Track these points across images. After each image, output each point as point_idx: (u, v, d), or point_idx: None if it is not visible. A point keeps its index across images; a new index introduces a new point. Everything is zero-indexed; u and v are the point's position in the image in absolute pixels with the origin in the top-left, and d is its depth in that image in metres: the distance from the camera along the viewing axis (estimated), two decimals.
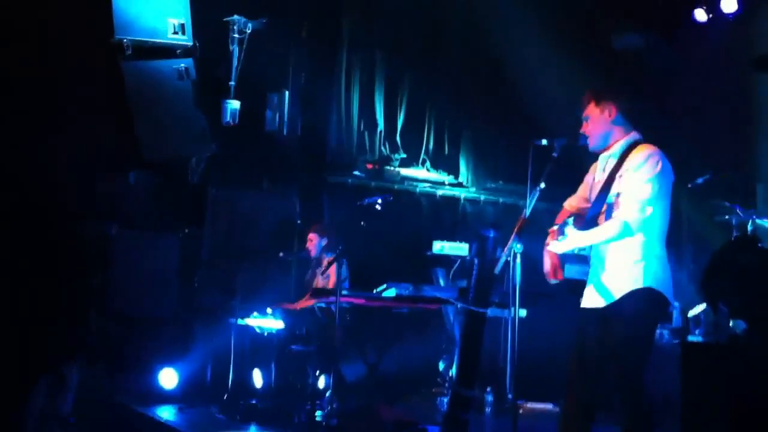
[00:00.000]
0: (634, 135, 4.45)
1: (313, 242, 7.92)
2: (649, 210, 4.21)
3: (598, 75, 9.47)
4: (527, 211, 4.41)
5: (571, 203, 4.71)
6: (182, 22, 7.23)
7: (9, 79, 6.38)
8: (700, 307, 6.78)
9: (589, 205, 4.56)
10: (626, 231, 4.22)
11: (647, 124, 4.61)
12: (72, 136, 7.11)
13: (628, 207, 4.22)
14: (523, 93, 9.74)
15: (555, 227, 4.30)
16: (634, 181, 4.24)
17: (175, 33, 7.22)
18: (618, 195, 4.28)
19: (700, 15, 8.83)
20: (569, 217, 4.44)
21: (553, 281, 4.51)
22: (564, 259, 4.43)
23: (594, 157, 4.67)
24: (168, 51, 7.29)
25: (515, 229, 4.35)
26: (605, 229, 4.26)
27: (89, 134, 7.44)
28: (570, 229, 4.20)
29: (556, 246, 4.31)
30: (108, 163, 7.65)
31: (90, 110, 7.28)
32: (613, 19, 9.73)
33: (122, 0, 7.03)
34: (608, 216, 4.31)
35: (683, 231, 8.93)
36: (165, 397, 7.36)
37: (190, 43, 7.31)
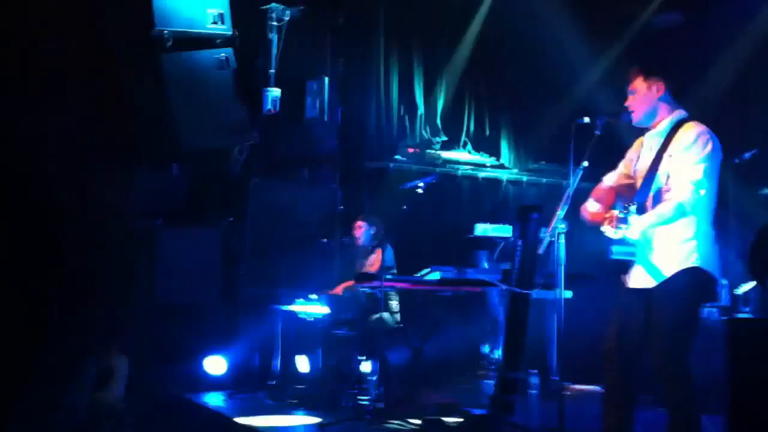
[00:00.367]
0: (680, 113, 4.41)
1: (362, 230, 7.90)
2: (703, 191, 4.19)
3: (637, 52, 9.37)
4: (570, 191, 4.38)
5: (612, 178, 4.66)
6: (221, 11, 7.28)
7: (56, 71, 6.46)
8: (749, 285, 6.69)
9: (630, 182, 4.52)
10: (681, 212, 4.20)
11: (691, 100, 4.56)
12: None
13: (682, 188, 4.18)
14: (562, 72, 9.66)
15: (615, 212, 4.20)
16: (685, 162, 4.20)
17: (215, 23, 7.28)
18: (668, 176, 4.23)
19: None
20: (614, 197, 4.40)
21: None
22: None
23: (636, 132, 4.62)
24: (208, 41, 7.35)
25: (558, 209, 4.33)
26: (662, 212, 4.21)
27: (129, 129, 7.53)
28: (635, 218, 4.13)
29: (618, 234, 4.22)
30: (150, 156, 7.74)
31: (129, 103, 7.36)
32: None
33: None
34: (657, 199, 4.25)
35: (729, 207, 8.79)
36: (214, 384, 7.45)
37: (230, 33, 7.36)
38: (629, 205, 4.11)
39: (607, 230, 4.26)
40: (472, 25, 9.79)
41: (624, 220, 4.11)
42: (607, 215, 4.30)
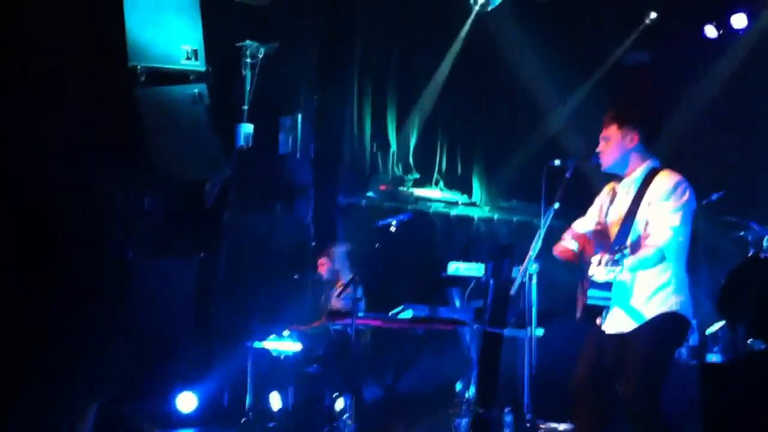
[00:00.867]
0: (652, 161, 4.48)
1: (325, 266, 7.96)
2: (681, 238, 4.27)
3: (608, 91, 9.52)
4: (542, 232, 4.43)
5: (582, 225, 4.70)
6: (195, 48, 7.32)
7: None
8: (718, 325, 6.76)
9: (599, 228, 4.56)
10: (661, 257, 4.26)
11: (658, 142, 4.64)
12: (85, 162, 7.18)
13: (661, 234, 4.25)
14: (534, 112, 9.78)
15: (607, 255, 4.15)
16: (664, 209, 4.27)
17: (189, 59, 7.31)
18: (646, 222, 4.30)
19: (710, 31, 8.85)
20: (591, 244, 4.45)
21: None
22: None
23: (605, 175, 4.68)
24: (182, 76, 7.37)
25: (531, 250, 4.37)
26: (644, 256, 4.25)
27: (103, 160, 7.51)
28: (628, 261, 4.14)
29: (609, 276, 4.22)
30: (122, 188, 7.72)
31: (104, 136, 7.35)
32: (623, 37, 9.78)
33: (136, 27, 7.13)
34: (637, 244, 4.29)
35: (698, 248, 8.91)
36: (183, 421, 7.37)
37: (203, 69, 7.39)
38: (623, 248, 4.07)
39: (597, 272, 4.27)
40: (443, 65, 9.88)
41: (618, 263, 4.07)
42: (598, 257, 4.31)
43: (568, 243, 4.64)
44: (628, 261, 4.11)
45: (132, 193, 7.69)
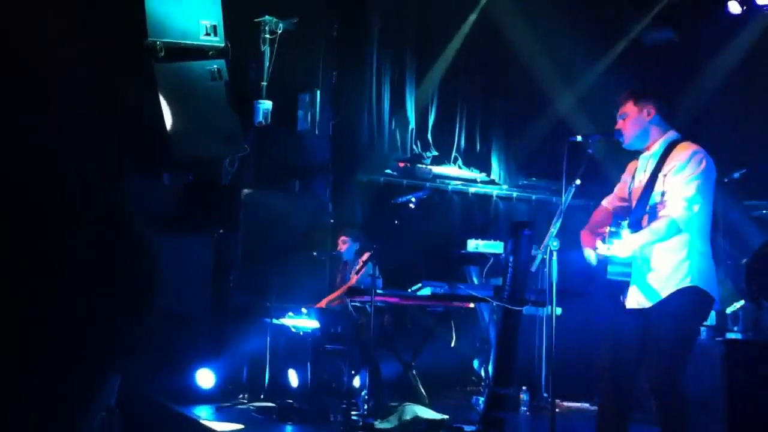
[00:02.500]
0: (672, 134, 4.44)
1: (346, 245, 7.96)
2: (696, 207, 4.20)
3: (629, 70, 9.42)
4: (563, 208, 4.39)
5: (608, 201, 4.69)
6: (214, 23, 7.29)
7: (40, 76, 6.45)
8: (738, 304, 6.71)
9: (625, 204, 4.54)
10: (674, 229, 4.20)
11: (680, 120, 4.59)
12: (103, 137, 7.19)
13: (674, 205, 4.20)
14: (553, 89, 9.70)
15: (607, 228, 4.24)
16: (679, 180, 4.22)
17: (207, 34, 7.28)
18: (663, 194, 4.26)
19: (734, 7, 8.72)
20: (612, 219, 4.42)
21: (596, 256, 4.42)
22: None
23: (629, 154, 4.64)
24: (200, 52, 7.35)
25: (551, 226, 4.34)
26: (654, 229, 4.22)
27: (121, 136, 7.52)
28: (626, 233, 4.15)
29: (610, 250, 4.24)
30: (141, 164, 7.72)
31: (122, 112, 7.35)
32: (644, 13, 9.66)
33: (155, 2, 7.11)
34: (652, 217, 4.27)
35: (718, 226, 8.83)
36: (202, 397, 7.40)
37: (222, 45, 7.36)
38: (621, 221, 4.14)
39: (599, 246, 4.27)
40: (464, 42, 9.79)
41: (616, 234, 4.15)
42: (600, 231, 4.31)
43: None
44: (627, 233, 4.13)
45: (151, 169, 7.69)
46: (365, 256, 7.18)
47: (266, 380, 7.31)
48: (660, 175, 4.30)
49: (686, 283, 4.22)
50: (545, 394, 7.43)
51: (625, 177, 4.64)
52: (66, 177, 1.06)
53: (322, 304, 7.67)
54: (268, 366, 7.32)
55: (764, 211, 7.00)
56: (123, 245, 1.05)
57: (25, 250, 0.99)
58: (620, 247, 4.21)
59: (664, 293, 4.24)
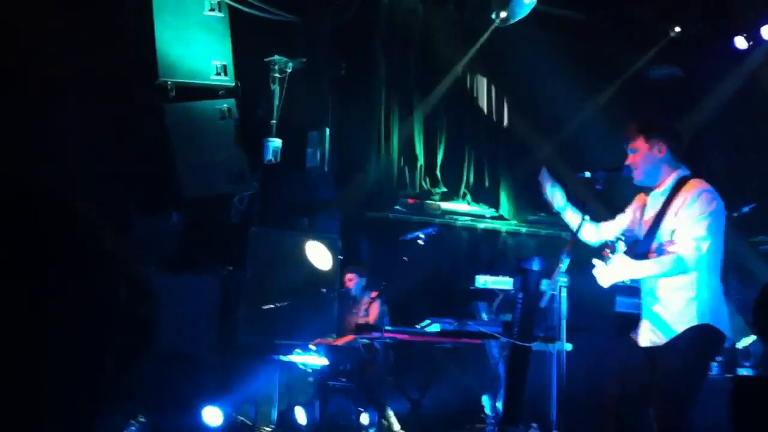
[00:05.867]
0: (682, 170, 4.42)
1: (353, 282, 7.96)
2: (705, 246, 4.18)
3: (634, 105, 9.45)
4: (568, 251, 4.40)
5: (606, 227, 4.66)
6: (224, 63, 7.38)
7: (55, 114, 6.53)
8: (749, 339, 6.68)
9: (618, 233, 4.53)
10: (681, 267, 4.18)
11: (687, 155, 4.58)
12: (112, 177, 7.24)
13: (683, 244, 4.18)
14: (561, 125, 9.73)
15: (608, 251, 4.25)
16: (688, 218, 4.21)
17: (218, 74, 7.37)
18: (672, 233, 4.24)
19: (741, 43, 8.77)
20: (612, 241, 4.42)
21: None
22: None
23: (635, 186, 4.63)
24: (211, 92, 7.43)
25: (560, 262, 4.34)
26: (660, 263, 4.22)
27: (131, 174, 7.58)
28: (620, 256, 4.15)
29: (607, 274, 4.24)
30: (150, 202, 7.77)
31: (133, 150, 7.42)
32: (650, 48, 9.71)
33: (166, 43, 7.21)
34: (659, 252, 4.26)
35: (728, 261, 8.80)
36: None
37: (232, 84, 7.45)
38: (618, 240, 4.18)
39: (597, 261, 4.27)
40: (471, 80, 9.83)
41: (613, 249, 4.16)
42: (603, 254, 4.31)
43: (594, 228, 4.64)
44: (624, 258, 4.15)
45: (159, 207, 7.74)
46: (374, 294, 7.18)
47: (274, 418, 7.27)
48: (669, 212, 4.30)
49: (698, 321, 4.20)
50: (555, 431, 7.36)
51: (633, 209, 4.62)
52: (71, 221, 1.07)
53: (339, 342, 7.62)
54: (276, 403, 7.29)
55: None
56: (121, 287, 1.06)
57: (23, 294, 1.00)
58: (616, 263, 4.20)
59: (677, 330, 4.22)
